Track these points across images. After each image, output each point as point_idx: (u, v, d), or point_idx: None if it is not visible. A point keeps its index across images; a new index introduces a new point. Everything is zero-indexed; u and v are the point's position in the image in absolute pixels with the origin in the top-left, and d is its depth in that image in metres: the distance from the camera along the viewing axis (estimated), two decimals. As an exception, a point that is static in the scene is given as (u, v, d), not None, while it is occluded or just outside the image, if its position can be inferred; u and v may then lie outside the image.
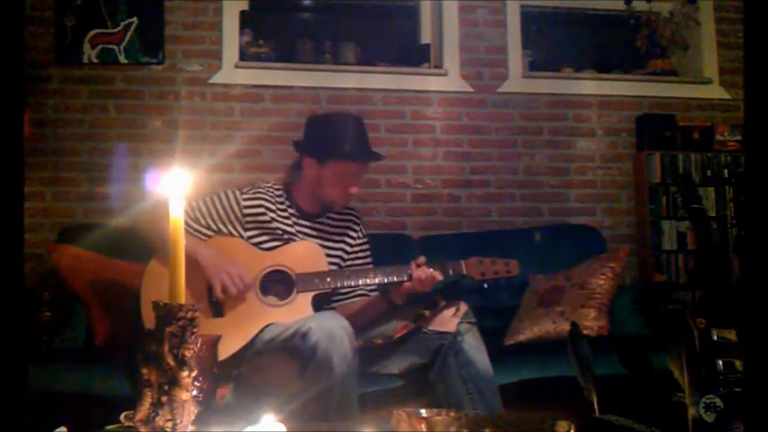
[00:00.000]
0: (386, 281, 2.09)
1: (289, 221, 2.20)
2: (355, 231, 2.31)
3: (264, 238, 2.15)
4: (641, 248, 3.60)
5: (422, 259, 2.08)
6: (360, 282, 2.11)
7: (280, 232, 2.16)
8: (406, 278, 2.06)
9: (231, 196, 2.17)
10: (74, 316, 2.63)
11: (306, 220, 2.23)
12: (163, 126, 3.36)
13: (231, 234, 2.14)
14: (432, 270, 2.05)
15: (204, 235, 2.13)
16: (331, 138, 2.16)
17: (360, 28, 3.80)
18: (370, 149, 2.22)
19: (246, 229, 2.15)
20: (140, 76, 3.37)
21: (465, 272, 2.10)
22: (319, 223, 2.25)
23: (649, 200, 3.56)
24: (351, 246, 2.29)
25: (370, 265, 2.27)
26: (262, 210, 2.17)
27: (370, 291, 2.24)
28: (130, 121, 3.34)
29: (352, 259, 2.28)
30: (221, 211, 2.15)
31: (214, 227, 2.14)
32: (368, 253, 2.32)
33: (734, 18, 3.81)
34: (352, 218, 2.33)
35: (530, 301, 2.92)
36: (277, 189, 2.24)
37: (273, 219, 2.17)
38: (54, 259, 2.72)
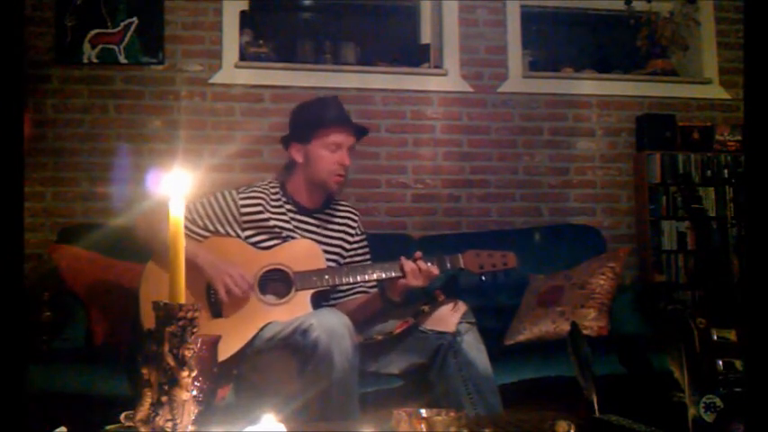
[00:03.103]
0: (384, 276, 2.09)
1: (286, 217, 2.19)
2: (353, 228, 2.31)
3: (263, 236, 2.15)
4: (641, 248, 3.60)
5: (419, 254, 2.08)
6: (358, 278, 2.11)
7: (278, 230, 2.16)
8: (402, 273, 2.05)
9: (228, 197, 2.17)
10: (74, 316, 2.63)
11: (304, 215, 2.23)
12: (163, 126, 3.36)
13: (228, 234, 2.14)
14: (428, 265, 2.05)
15: (201, 236, 2.13)
16: (309, 116, 2.20)
17: (360, 28, 3.80)
18: (350, 119, 2.23)
19: (244, 229, 2.15)
20: (140, 76, 3.37)
21: (462, 265, 2.10)
22: (317, 218, 2.25)
23: (649, 200, 3.56)
24: (349, 243, 2.29)
25: (369, 263, 2.27)
26: (259, 208, 2.16)
27: (370, 288, 2.24)
28: (130, 121, 3.34)
29: (351, 256, 2.28)
30: (219, 212, 2.15)
31: (211, 228, 2.14)
32: (366, 250, 2.32)
33: (734, 18, 3.81)
34: (351, 214, 2.33)
35: (530, 301, 2.92)
36: (273, 187, 2.24)
37: (271, 217, 2.17)
38: (54, 259, 2.73)
